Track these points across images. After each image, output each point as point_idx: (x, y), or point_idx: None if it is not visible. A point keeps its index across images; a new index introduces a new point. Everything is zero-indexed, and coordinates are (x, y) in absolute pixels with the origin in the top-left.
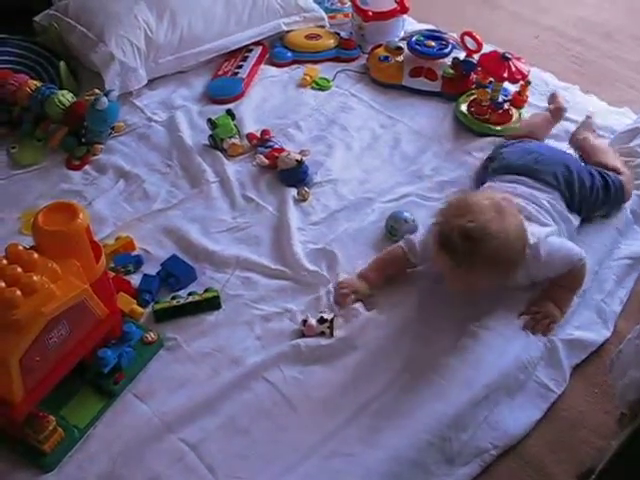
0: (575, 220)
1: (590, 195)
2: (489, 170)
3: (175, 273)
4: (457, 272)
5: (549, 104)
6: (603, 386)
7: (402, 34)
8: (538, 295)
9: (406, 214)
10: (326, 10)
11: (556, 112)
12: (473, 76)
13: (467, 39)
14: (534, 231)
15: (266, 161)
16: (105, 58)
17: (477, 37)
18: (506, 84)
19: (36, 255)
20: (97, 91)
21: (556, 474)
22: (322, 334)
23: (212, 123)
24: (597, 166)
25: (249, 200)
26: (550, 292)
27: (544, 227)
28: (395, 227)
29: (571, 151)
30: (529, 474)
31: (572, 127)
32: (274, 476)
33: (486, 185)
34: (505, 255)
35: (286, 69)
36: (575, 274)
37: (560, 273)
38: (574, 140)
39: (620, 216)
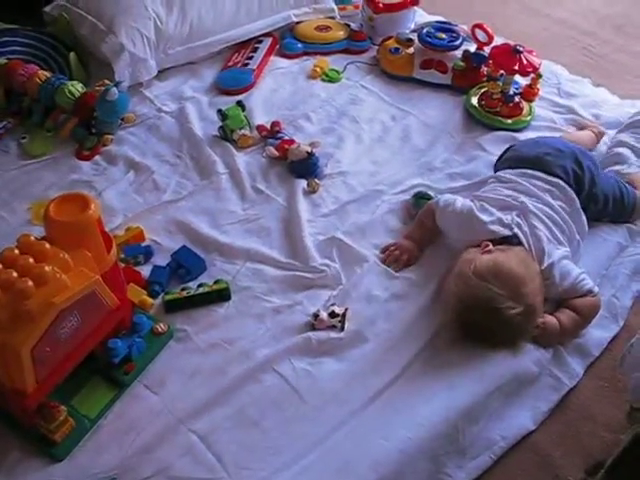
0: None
1: (599, 200)
2: (501, 161)
3: (185, 264)
4: None
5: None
6: (612, 380)
7: (413, 26)
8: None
9: (431, 193)
10: (336, 1)
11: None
12: (484, 69)
13: (478, 31)
14: (550, 252)
15: (276, 153)
16: (115, 49)
17: (488, 29)
18: (517, 77)
19: (48, 246)
20: (107, 82)
21: (565, 467)
22: (333, 327)
23: (222, 114)
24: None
25: (259, 192)
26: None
27: (559, 247)
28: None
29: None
30: (538, 467)
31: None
32: (283, 467)
33: (495, 175)
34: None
35: (296, 60)
36: (586, 301)
37: (568, 293)
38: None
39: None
